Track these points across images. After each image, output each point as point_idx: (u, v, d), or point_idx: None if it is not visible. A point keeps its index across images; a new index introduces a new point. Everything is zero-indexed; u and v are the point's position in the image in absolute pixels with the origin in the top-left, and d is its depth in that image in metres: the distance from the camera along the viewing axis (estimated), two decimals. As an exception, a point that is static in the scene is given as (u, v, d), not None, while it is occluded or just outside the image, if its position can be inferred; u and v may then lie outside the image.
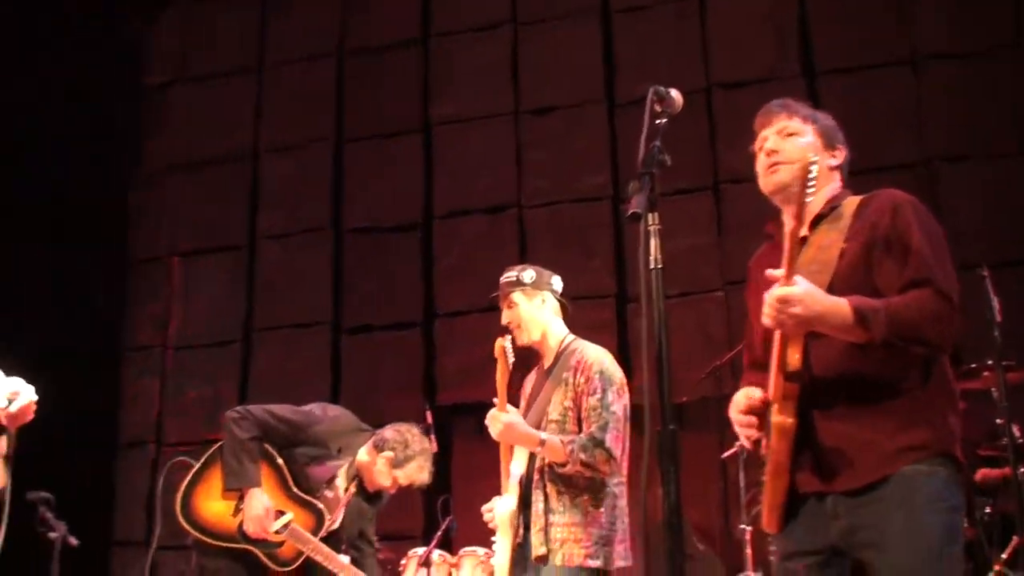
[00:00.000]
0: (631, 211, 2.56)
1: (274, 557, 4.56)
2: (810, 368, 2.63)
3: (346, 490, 4.77)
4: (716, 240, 7.18)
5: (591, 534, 3.85)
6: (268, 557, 4.55)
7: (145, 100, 8.90)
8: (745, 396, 2.76)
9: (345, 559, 4.65)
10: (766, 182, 2.87)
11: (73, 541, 5.82)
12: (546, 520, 3.88)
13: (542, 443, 3.89)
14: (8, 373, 3.07)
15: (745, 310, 3.02)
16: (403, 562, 5.56)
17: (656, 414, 2.45)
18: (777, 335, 2.59)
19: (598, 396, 3.93)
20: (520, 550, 3.96)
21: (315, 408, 4.80)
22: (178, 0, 8.96)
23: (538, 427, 3.98)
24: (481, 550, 5.32)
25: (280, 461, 4.64)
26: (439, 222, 7.92)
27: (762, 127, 2.91)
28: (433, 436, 5.02)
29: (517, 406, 4.16)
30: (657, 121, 2.69)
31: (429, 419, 5.14)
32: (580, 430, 3.93)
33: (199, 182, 8.53)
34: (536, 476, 3.96)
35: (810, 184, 2.52)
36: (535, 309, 4.14)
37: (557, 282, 4.23)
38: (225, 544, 4.55)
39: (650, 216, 2.56)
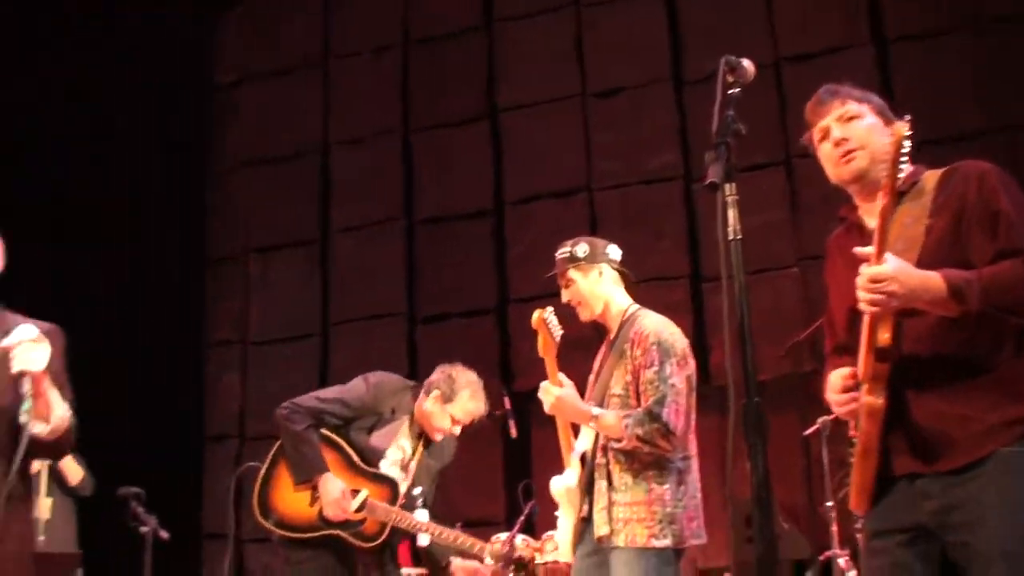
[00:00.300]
0: (708, 181, 2.52)
1: (359, 535, 4.62)
2: (901, 345, 2.58)
3: (414, 450, 4.82)
4: (789, 215, 7.07)
5: (655, 513, 3.71)
6: (354, 536, 4.61)
7: (216, 100, 9.04)
8: (840, 377, 2.72)
9: (425, 515, 4.70)
10: (841, 171, 2.80)
11: (164, 535, 5.94)
12: (609, 499, 3.77)
13: (595, 418, 3.80)
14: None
15: (820, 286, 2.98)
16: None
17: (739, 388, 2.42)
18: (867, 315, 2.55)
19: (655, 368, 3.78)
20: (585, 524, 3.88)
21: (358, 380, 4.84)
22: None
23: (602, 402, 3.88)
24: (564, 534, 5.30)
25: (341, 441, 4.70)
26: (510, 208, 7.94)
27: (818, 117, 2.85)
28: (512, 422, 5.03)
29: (583, 383, 4.09)
30: (729, 91, 2.64)
31: (507, 405, 5.14)
32: (640, 404, 3.80)
33: (271, 179, 8.64)
34: (599, 453, 3.85)
35: (903, 157, 2.47)
36: (593, 283, 4.01)
37: (614, 251, 4.09)
38: (311, 534, 4.62)
39: (727, 186, 2.52)
